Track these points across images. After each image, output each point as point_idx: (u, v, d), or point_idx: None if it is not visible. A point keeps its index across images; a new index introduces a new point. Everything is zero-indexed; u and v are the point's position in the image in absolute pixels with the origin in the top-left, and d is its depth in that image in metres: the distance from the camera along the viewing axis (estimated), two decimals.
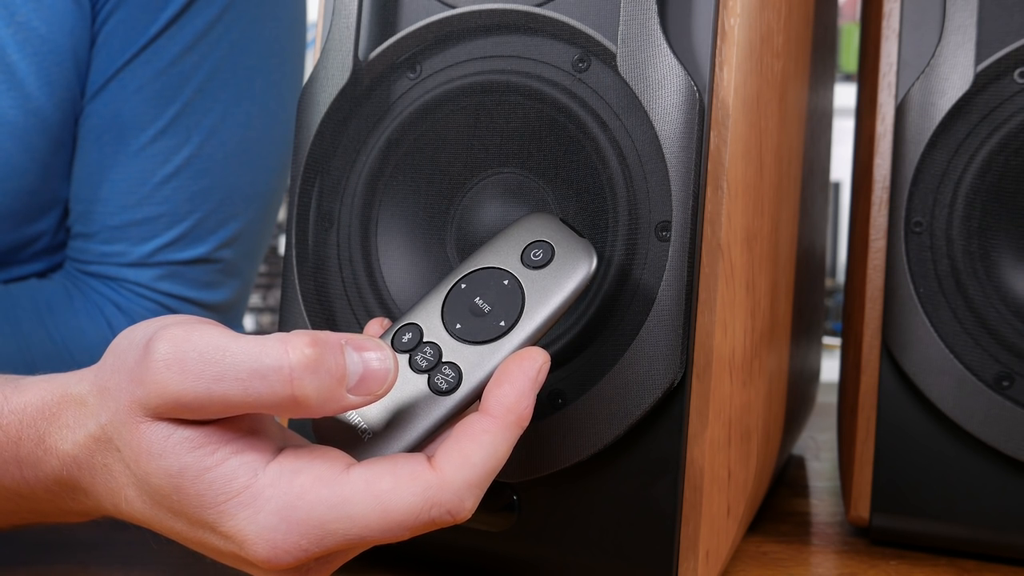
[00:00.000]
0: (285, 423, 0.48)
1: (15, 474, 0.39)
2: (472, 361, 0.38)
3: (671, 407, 0.42)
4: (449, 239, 0.46)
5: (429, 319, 0.39)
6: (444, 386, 0.37)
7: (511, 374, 0.36)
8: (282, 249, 0.77)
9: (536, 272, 0.39)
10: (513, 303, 0.38)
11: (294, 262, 0.48)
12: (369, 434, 0.37)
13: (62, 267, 0.72)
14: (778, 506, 0.60)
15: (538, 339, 0.38)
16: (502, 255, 0.40)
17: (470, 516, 0.35)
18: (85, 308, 0.68)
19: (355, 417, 0.38)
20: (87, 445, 0.37)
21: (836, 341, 1.05)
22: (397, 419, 0.37)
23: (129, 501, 0.36)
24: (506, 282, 0.39)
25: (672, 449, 0.42)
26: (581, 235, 0.39)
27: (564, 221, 0.40)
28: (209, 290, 0.72)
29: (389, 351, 0.35)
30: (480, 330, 0.38)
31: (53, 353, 0.66)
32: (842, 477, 0.57)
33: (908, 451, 0.51)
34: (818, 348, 0.73)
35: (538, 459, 0.43)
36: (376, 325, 0.42)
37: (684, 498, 0.42)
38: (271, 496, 0.34)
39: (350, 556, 0.37)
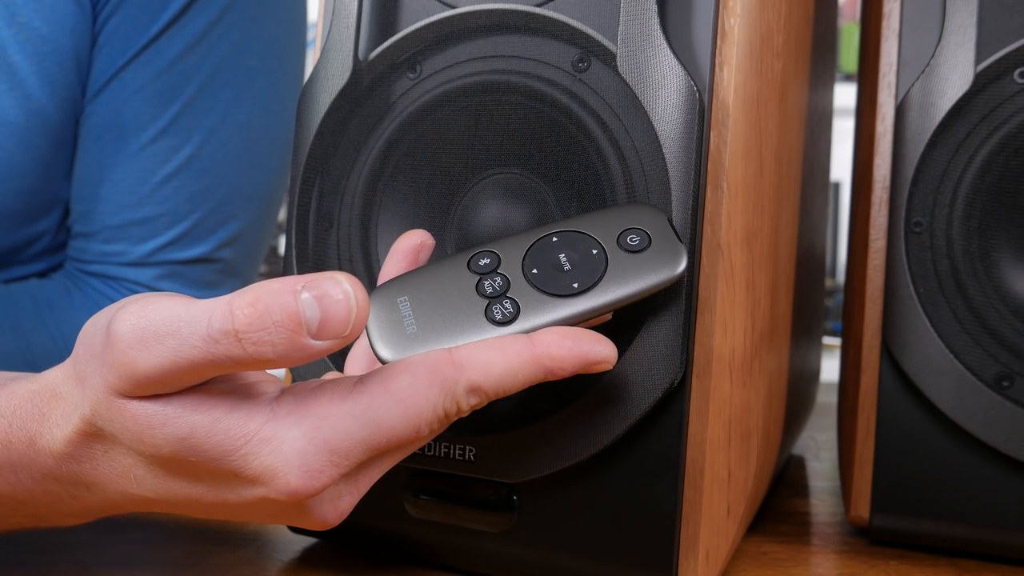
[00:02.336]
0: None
1: (9, 478, 0.38)
2: (533, 307, 0.38)
3: (671, 407, 0.42)
4: (449, 239, 0.46)
5: (510, 254, 0.40)
6: (499, 317, 0.38)
7: (579, 340, 0.37)
8: (282, 249, 0.77)
9: (625, 254, 0.39)
10: (593, 272, 0.39)
11: (294, 262, 0.48)
12: (413, 327, 0.38)
13: (63, 267, 0.72)
14: (778, 506, 0.60)
15: (600, 314, 0.39)
16: (601, 227, 0.40)
17: (465, 415, 0.36)
18: (85, 307, 0.68)
19: (406, 310, 0.38)
20: (75, 440, 0.36)
21: (836, 341, 1.05)
22: (443, 328, 0.38)
23: (139, 480, 0.36)
24: (595, 251, 0.40)
25: (672, 449, 0.42)
26: (681, 240, 0.40)
27: (670, 221, 0.41)
28: (209, 290, 0.72)
29: (355, 287, 0.33)
30: (552, 282, 0.39)
31: (53, 352, 0.66)
32: (842, 477, 0.57)
33: (908, 451, 0.51)
34: (818, 348, 0.73)
35: (538, 459, 0.43)
36: (416, 236, 0.43)
37: (684, 498, 0.42)
38: (293, 423, 0.34)
39: (376, 474, 0.37)
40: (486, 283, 0.39)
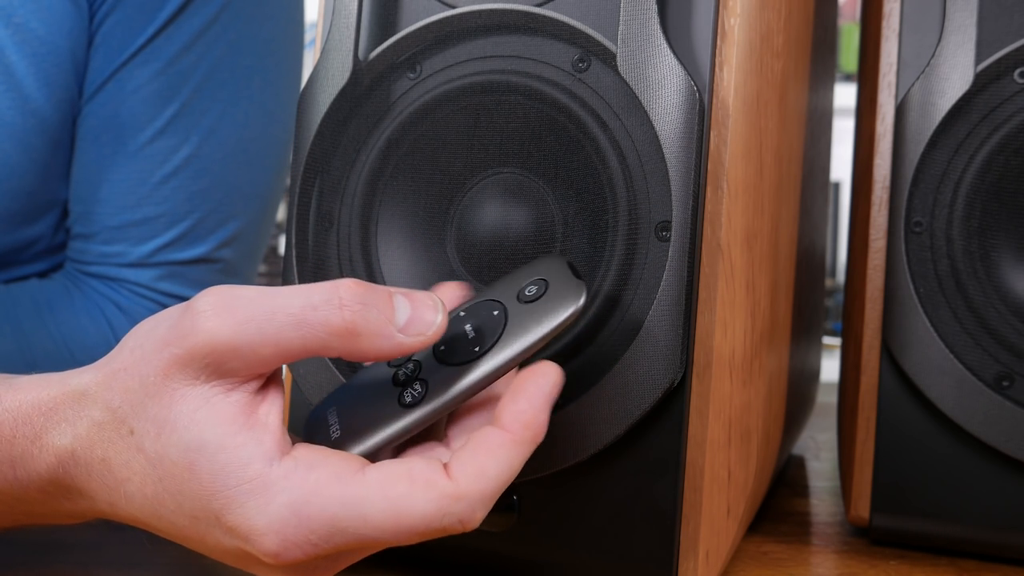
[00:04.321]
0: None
1: (8, 474, 0.38)
2: (440, 380, 0.38)
3: (671, 407, 0.42)
4: (449, 239, 0.46)
5: None
6: (408, 399, 0.38)
7: (527, 390, 0.36)
8: (282, 249, 0.77)
9: (524, 306, 0.39)
10: (493, 332, 0.39)
11: (294, 262, 0.48)
12: (337, 432, 0.38)
13: (63, 267, 0.72)
14: (778, 506, 0.60)
15: (507, 370, 0.38)
16: (503, 289, 0.40)
17: (478, 525, 0.35)
18: (86, 308, 0.68)
19: (332, 419, 0.39)
20: (88, 436, 0.36)
21: (836, 341, 1.05)
22: (362, 425, 0.38)
23: (128, 497, 0.36)
24: (496, 312, 0.39)
25: (672, 449, 0.42)
26: (580, 277, 0.40)
27: (570, 264, 0.40)
28: None
29: (437, 298, 0.37)
30: (456, 353, 0.39)
31: (54, 352, 0.66)
32: (842, 477, 0.57)
33: (908, 451, 0.51)
34: (818, 348, 0.73)
35: (538, 459, 0.43)
36: (453, 288, 0.43)
37: (684, 498, 0.42)
38: (284, 488, 0.34)
39: (356, 558, 0.37)
40: (400, 372, 0.39)
